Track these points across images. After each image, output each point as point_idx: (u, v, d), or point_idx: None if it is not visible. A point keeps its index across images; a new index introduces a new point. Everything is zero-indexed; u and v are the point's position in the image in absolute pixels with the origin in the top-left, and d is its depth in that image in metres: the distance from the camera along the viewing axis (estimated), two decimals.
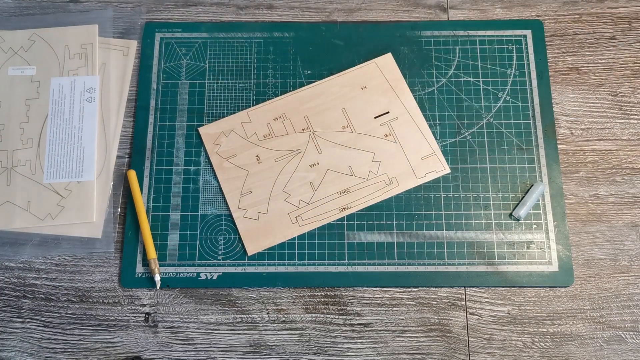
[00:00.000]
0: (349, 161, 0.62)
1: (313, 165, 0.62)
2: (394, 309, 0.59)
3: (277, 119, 0.64)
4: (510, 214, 0.61)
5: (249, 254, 0.60)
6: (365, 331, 0.58)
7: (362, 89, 0.65)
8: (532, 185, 0.61)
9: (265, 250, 0.60)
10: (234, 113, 0.64)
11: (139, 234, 0.60)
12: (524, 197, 0.61)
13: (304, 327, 0.58)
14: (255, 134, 0.63)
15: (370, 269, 0.59)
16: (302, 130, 0.63)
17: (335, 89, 0.65)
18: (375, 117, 0.64)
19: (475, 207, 0.61)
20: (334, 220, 0.61)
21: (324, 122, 0.64)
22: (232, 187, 0.62)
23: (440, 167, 0.62)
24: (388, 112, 0.64)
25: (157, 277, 0.59)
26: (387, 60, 0.66)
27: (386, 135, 0.63)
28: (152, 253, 0.59)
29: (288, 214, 0.61)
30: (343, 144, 0.63)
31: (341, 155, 0.62)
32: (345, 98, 0.64)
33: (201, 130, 0.63)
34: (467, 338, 0.58)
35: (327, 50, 0.67)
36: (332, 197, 0.61)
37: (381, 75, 0.65)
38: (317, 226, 0.60)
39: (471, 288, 0.59)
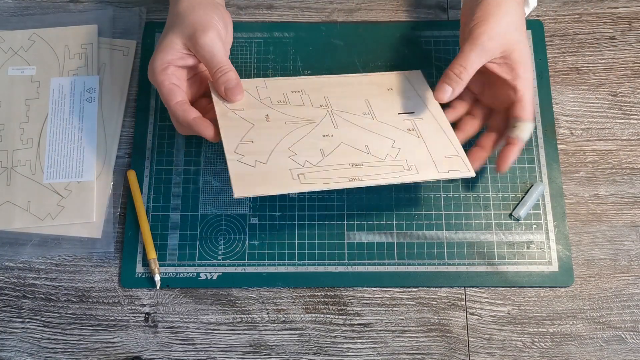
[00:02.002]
0: (367, 141, 0.57)
1: (326, 135, 0.57)
2: (394, 309, 0.59)
3: (295, 92, 0.60)
4: (510, 214, 0.61)
5: (236, 196, 0.51)
6: (365, 331, 0.58)
7: (388, 89, 0.62)
8: (532, 186, 0.61)
9: (264, 250, 0.60)
10: None
11: (139, 234, 0.60)
12: (523, 197, 0.61)
13: (304, 327, 0.58)
14: (269, 98, 0.59)
15: (370, 269, 0.59)
16: (320, 106, 0.59)
17: (360, 83, 0.62)
18: (399, 114, 0.60)
19: (475, 207, 0.61)
20: (331, 220, 0.61)
21: (345, 105, 0.60)
22: (232, 133, 0.55)
23: (464, 169, 0.56)
24: (413, 112, 0.60)
25: (157, 277, 0.59)
26: (416, 76, 0.63)
27: (409, 130, 0.59)
28: (152, 253, 0.59)
29: (290, 169, 0.54)
30: (362, 126, 0.58)
31: (359, 134, 0.57)
32: (370, 93, 0.61)
33: (210, 84, 0.59)
34: (467, 338, 0.58)
35: (327, 50, 0.67)
36: (342, 166, 0.55)
37: (410, 86, 0.62)
38: (320, 189, 0.53)
39: (471, 288, 0.59)
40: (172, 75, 0.55)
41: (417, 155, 0.56)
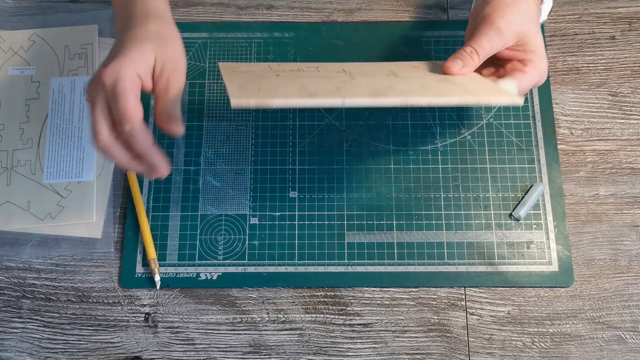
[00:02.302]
0: (391, 84, 0.49)
1: (344, 82, 0.49)
2: (394, 309, 0.59)
3: (310, 67, 0.54)
4: (510, 214, 0.61)
5: (233, 107, 0.42)
6: (365, 331, 0.58)
7: (414, 67, 0.55)
8: (532, 186, 0.61)
9: (264, 251, 0.60)
10: (236, 113, 0.64)
11: (139, 234, 0.60)
12: (523, 197, 0.61)
13: (303, 327, 0.58)
14: (282, 68, 0.53)
15: (370, 269, 0.59)
16: (337, 72, 0.52)
17: (382, 64, 0.56)
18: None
19: (475, 207, 0.61)
20: (331, 220, 0.61)
21: (365, 71, 0.53)
22: (235, 79, 0.49)
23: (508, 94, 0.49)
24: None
25: (157, 278, 0.59)
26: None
27: (415, 67, 0.52)
28: (152, 253, 0.59)
29: (299, 85, 0.47)
30: (385, 79, 0.50)
31: (381, 82, 0.49)
32: (393, 67, 0.55)
33: (221, 64, 0.54)
34: (467, 338, 0.58)
35: (327, 51, 0.67)
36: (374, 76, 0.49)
37: (439, 69, 0.54)
38: (328, 101, 0.44)
39: (471, 288, 0.59)
40: (135, 87, 0.48)
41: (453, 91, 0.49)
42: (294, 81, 0.49)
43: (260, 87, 0.47)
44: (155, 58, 0.49)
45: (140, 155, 0.48)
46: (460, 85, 0.50)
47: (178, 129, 0.50)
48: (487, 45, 0.52)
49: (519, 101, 0.48)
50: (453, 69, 0.52)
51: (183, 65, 0.51)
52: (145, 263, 0.60)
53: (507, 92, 0.50)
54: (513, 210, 0.61)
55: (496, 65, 0.55)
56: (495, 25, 0.52)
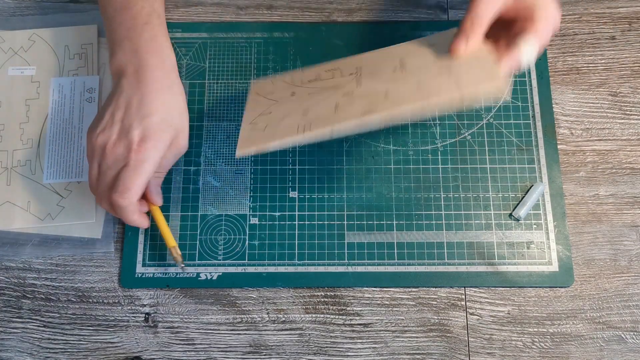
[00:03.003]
0: (388, 88, 0.52)
1: (346, 94, 0.53)
2: (394, 309, 0.59)
3: (329, 70, 0.57)
4: (510, 214, 0.61)
5: (237, 156, 0.57)
6: (365, 331, 0.58)
7: (430, 45, 0.55)
8: (532, 186, 0.61)
9: (264, 251, 0.60)
10: (235, 113, 0.64)
11: (139, 234, 0.60)
12: (523, 197, 0.61)
13: (304, 327, 0.58)
14: (301, 79, 0.58)
15: (370, 269, 0.59)
16: (349, 74, 0.56)
17: (400, 47, 0.57)
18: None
19: (475, 207, 0.61)
20: (331, 220, 0.61)
21: (375, 67, 0.55)
22: (253, 110, 0.56)
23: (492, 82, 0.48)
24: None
25: (182, 265, 0.58)
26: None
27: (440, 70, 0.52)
28: (171, 241, 0.58)
29: (297, 125, 0.52)
30: (387, 78, 0.53)
31: (381, 84, 0.52)
32: (407, 52, 0.55)
33: (253, 83, 0.60)
34: (467, 338, 0.58)
35: (327, 51, 0.67)
36: (354, 108, 0.51)
37: None
38: (326, 133, 0.50)
39: (471, 288, 0.59)
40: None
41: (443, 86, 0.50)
42: (301, 104, 0.54)
43: (268, 122, 0.53)
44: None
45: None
46: (456, 75, 0.50)
47: (158, 200, 0.58)
48: (484, 10, 0.50)
49: (502, 89, 0.48)
50: (459, 51, 0.51)
51: (184, 128, 0.55)
52: (145, 263, 0.60)
53: (498, 77, 0.48)
54: (513, 210, 0.61)
55: (508, 30, 0.52)
56: None
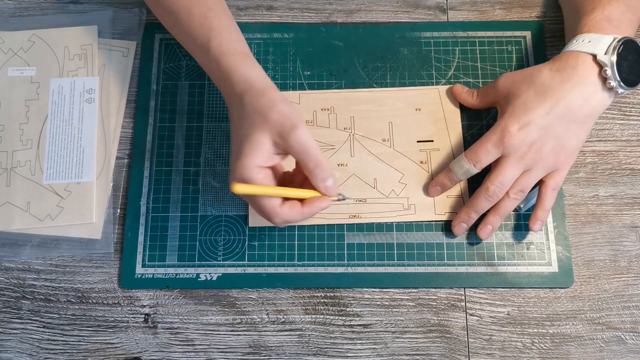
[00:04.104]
0: (377, 174, 0.61)
1: (341, 165, 0.62)
2: (394, 309, 0.59)
3: (325, 109, 0.64)
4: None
5: (250, 226, 0.60)
6: (365, 332, 0.58)
7: (416, 110, 0.64)
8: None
9: (264, 251, 0.60)
10: None
11: (139, 235, 0.60)
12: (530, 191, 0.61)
13: (303, 328, 0.58)
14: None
15: (370, 269, 0.59)
16: (344, 129, 0.63)
17: (390, 102, 0.64)
18: (418, 142, 0.63)
19: None
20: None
21: (368, 128, 0.63)
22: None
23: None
24: (432, 141, 0.63)
25: (343, 196, 0.56)
26: (449, 92, 0.64)
27: (422, 162, 0.62)
28: (309, 193, 0.52)
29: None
30: (377, 155, 0.62)
31: (372, 164, 0.62)
32: (396, 113, 0.64)
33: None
34: (466, 339, 0.58)
35: (326, 51, 0.67)
36: (348, 201, 0.60)
37: (439, 104, 0.64)
38: (323, 223, 0.60)
39: (471, 289, 0.59)
40: (265, 179, 0.50)
41: (419, 194, 0.61)
42: None
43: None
44: (269, 138, 0.50)
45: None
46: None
47: (334, 192, 0.53)
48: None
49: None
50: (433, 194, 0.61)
51: (295, 121, 0.50)
52: (145, 264, 0.60)
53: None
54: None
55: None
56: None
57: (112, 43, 0.67)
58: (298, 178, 0.55)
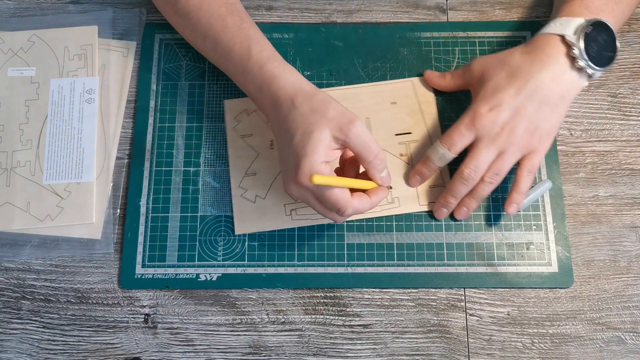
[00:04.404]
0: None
1: None
2: (394, 310, 0.59)
3: None
4: None
5: (236, 233, 0.60)
6: (365, 332, 0.58)
7: (392, 103, 0.64)
8: (540, 181, 0.61)
9: (264, 252, 0.60)
10: None
11: (139, 235, 0.60)
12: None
13: (303, 329, 0.58)
14: None
15: (370, 270, 0.59)
16: None
17: (365, 97, 0.64)
18: (396, 135, 0.63)
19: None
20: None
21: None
22: (238, 165, 0.62)
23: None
24: (410, 133, 0.63)
25: (390, 186, 0.58)
26: (422, 82, 0.65)
27: (401, 155, 0.62)
28: (369, 184, 0.55)
29: (284, 205, 0.60)
30: None
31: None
32: (372, 109, 0.64)
33: (226, 102, 0.64)
34: (466, 339, 0.58)
35: (326, 52, 0.67)
36: None
37: (414, 96, 0.64)
38: (309, 224, 0.60)
39: (471, 289, 0.59)
40: (331, 173, 0.52)
41: (402, 186, 0.61)
42: (280, 189, 0.61)
43: (256, 189, 0.61)
44: (329, 134, 0.51)
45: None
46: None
47: (388, 181, 0.55)
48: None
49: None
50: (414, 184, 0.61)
51: (352, 116, 0.52)
52: (145, 264, 0.60)
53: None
54: None
55: None
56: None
57: (112, 43, 0.67)
58: (348, 174, 0.56)
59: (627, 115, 0.65)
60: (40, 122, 0.64)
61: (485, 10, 0.69)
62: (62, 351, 0.58)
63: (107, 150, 0.63)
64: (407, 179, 0.61)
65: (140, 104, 0.65)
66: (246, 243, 0.60)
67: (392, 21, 0.68)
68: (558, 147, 0.63)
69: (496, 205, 0.61)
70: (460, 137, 0.56)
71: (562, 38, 0.55)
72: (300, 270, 0.59)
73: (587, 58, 0.54)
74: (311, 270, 0.59)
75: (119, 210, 0.62)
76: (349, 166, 0.56)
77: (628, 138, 0.64)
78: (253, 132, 0.63)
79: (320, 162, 0.50)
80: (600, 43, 0.55)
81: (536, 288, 0.59)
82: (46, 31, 0.67)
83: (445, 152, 0.57)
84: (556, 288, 0.59)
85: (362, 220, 0.61)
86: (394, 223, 0.61)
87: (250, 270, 0.60)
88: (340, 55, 0.67)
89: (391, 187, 0.59)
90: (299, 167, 0.50)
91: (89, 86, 0.65)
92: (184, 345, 0.58)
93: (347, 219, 0.59)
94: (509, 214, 0.58)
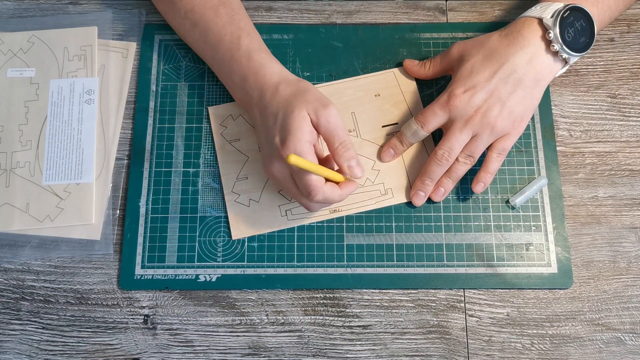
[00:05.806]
0: None
1: None
2: (393, 310, 0.59)
3: None
4: (507, 201, 0.61)
5: (233, 238, 0.60)
6: (365, 333, 0.58)
7: (376, 96, 0.64)
8: (535, 178, 0.61)
9: (263, 252, 0.60)
10: None
11: (138, 236, 0.60)
12: (523, 187, 0.61)
13: (303, 329, 0.58)
14: None
15: (370, 270, 0.59)
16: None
17: (349, 92, 0.64)
18: (383, 126, 0.63)
19: (474, 209, 0.61)
20: (330, 222, 0.61)
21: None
22: (229, 170, 0.62)
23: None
24: (397, 124, 0.63)
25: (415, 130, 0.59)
26: (403, 72, 0.65)
27: None
28: (341, 177, 0.56)
29: (279, 205, 0.61)
30: None
31: None
32: (357, 102, 0.64)
33: (211, 109, 0.64)
34: (466, 340, 0.58)
35: (326, 52, 0.67)
36: None
37: (397, 86, 0.64)
38: (305, 223, 0.60)
39: (470, 290, 0.59)
40: (314, 158, 0.53)
41: (394, 177, 0.62)
42: (274, 191, 0.61)
43: (250, 193, 0.61)
44: (307, 114, 0.53)
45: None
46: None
47: (358, 173, 0.55)
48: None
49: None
50: (385, 158, 0.62)
51: (327, 102, 0.54)
52: (144, 265, 0.60)
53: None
54: (510, 197, 0.61)
55: None
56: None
57: (112, 44, 0.67)
58: (331, 166, 0.57)
59: (627, 116, 0.65)
60: (40, 123, 0.64)
61: (485, 11, 0.69)
62: (62, 352, 0.58)
63: (107, 151, 0.63)
64: (380, 154, 0.62)
65: (139, 104, 0.65)
66: (245, 244, 0.60)
67: (392, 22, 0.68)
68: (557, 148, 0.63)
69: (495, 207, 0.61)
70: (434, 116, 0.57)
71: (540, 21, 0.56)
72: (299, 271, 0.59)
73: (561, 42, 0.55)
74: (310, 271, 0.59)
75: (118, 211, 0.62)
76: (324, 164, 0.57)
77: (627, 139, 0.64)
78: (240, 136, 0.63)
79: (306, 141, 0.52)
80: (577, 29, 0.55)
81: (536, 289, 0.59)
82: (46, 32, 0.67)
83: (418, 129, 0.58)
84: (556, 289, 0.59)
85: (361, 220, 0.61)
86: (393, 224, 0.61)
87: (250, 271, 0.60)
88: (340, 56, 0.67)
89: (360, 183, 0.60)
90: (285, 144, 0.52)
91: (89, 87, 0.65)
92: (183, 346, 0.58)
93: (319, 210, 0.59)
94: (475, 192, 0.59)
